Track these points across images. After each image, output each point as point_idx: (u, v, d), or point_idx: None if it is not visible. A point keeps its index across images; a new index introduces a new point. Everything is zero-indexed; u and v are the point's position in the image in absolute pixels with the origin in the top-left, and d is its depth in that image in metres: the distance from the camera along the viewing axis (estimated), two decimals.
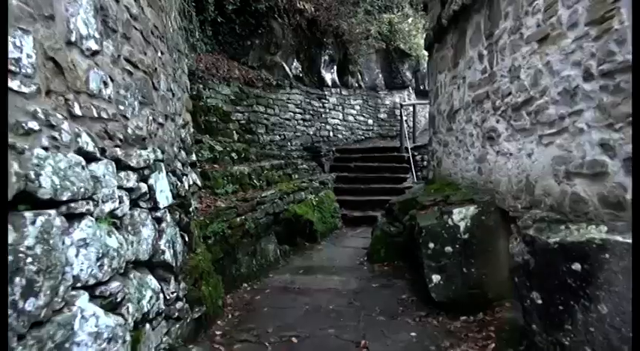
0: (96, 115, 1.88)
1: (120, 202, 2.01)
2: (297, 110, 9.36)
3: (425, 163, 10.62)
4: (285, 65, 9.15)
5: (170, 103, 3.47)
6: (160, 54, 3.20)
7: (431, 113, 6.47)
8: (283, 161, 7.25)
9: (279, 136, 8.70)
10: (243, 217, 4.67)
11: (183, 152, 3.83)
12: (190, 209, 3.56)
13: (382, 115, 13.59)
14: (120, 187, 2.04)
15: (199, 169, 4.83)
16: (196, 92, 6.33)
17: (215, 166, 5.27)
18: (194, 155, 4.34)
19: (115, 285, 1.82)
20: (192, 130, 4.71)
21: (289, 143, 9.02)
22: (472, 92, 4.25)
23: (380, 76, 13.62)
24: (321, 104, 10.36)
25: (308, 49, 10.00)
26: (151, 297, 2.25)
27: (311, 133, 9.88)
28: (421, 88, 15.66)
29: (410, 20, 14.09)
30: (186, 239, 3.19)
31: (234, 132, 7.15)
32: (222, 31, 7.91)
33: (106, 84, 2.00)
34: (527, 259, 2.30)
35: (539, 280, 2.21)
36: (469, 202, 3.77)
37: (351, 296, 4.08)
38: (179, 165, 3.57)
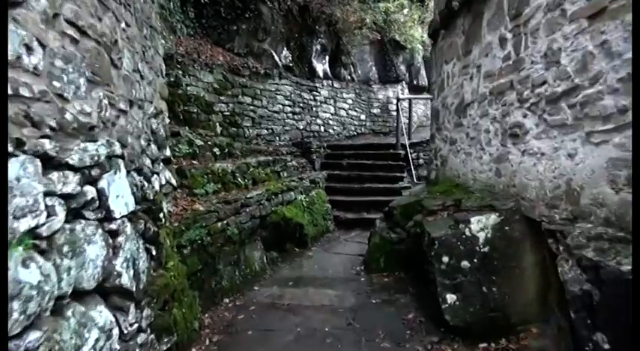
0: (10, 91, 1.33)
1: (49, 216, 1.47)
2: (287, 102, 8.80)
3: (420, 161, 10.19)
4: (274, 53, 8.59)
5: (137, 86, 2.92)
6: (123, 25, 2.64)
7: (434, 107, 6.00)
8: (271, 158, 6.71)
9: (267, 130, 8.14)
10: (225, 221, 4.14)
11: (153, 146, 3.28)
12: (161, 215, 3.01)
13: (375, 110, 13.12)
14: (50, 194, 1.50)
15: (175, 166, 4.28)
16: (174, 79, 5.73)
17: (194, 162, 4.72)
18: (168, 150, 3.78)
19: (33, 337, 1.29)
20: (167, 120, 4.16)
21: (277, 138, 8.46)
22: (489, 83, 3.78)
23: (373, 69, 13.13)
24: (311, 97, 9.82)
25: (299, 37, 9.45)
26: (98, 339, 1.72)
27: (301, 127, 9.33)
28: (414, 83, 15.25)
29: (405, 11, 13.63)
30: (154, 253, 2.65)
31: (217, 124, 6.58)
32: (206, 13, 7.30)
33: (30, 49, 1.45)
34: (587, 289, 1.83)
35: (606, 318, 1.74)
36: (489, 209, 3.30)
37: (349, 315, 3.59)
38: (147, 162, 3.02)
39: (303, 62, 9.76)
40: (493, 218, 3.17)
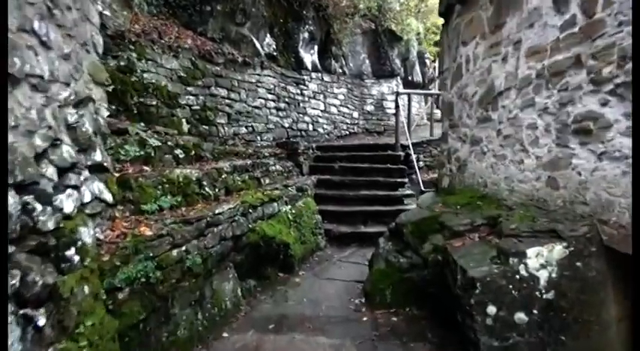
0: None
1: None
2: (270, 96, 7.84)
3: (421, 163, 9.33)
4: (254, 40, 7.64)
5: (31, 56, 1.96)
6: None
7: (447, 100, 5.13)
8: (250, 161, 5.76)
9: (246, 128, 7.16)
10: (183, 248, 3.20)
11: (67, 148, 2.31)
12: (71, 252, 2.06)
13: (369, 107, 12.27)
14: None
15: (117, 174, 3.31)
16: (126, 63, 4.72)
17: (146, 168, 3.74)
18: (100, 153, 2.81)
19: None
20: (105, 113, 3.19)
21: (259, 138, 7.50)
22: (537, 62, 2.91)
23: (367, 61, 12.29)
24: (298, 91, 8.89)
25: (284, 22, 8.52)
26: None
27: (286, 125, 8.39)
28: (409, 78, 14.50)
29: None
30: (42, 322, 1.69)
31: (184, 121, 5.59)
32: None
33: None
34: None
35: None
36: (549, 236, 2.41)
37: None
38: (49, 171, 2.06)
39: (289, 51, 8.83)
40: (559, 250, 2.28)
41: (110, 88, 4.29)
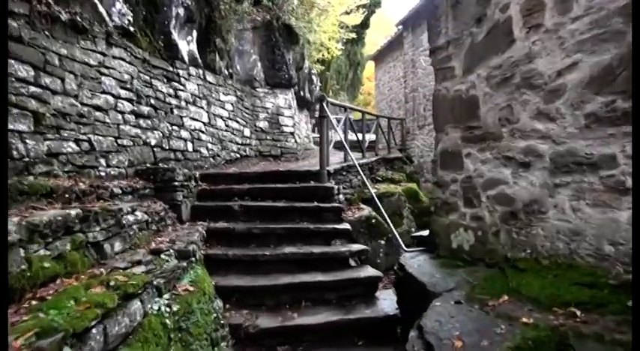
0: None
1: None
2: (124, 93, 4.97)
3: (341, 197, 7.32)
4: (98, 2, 4.87)
5: None
6: None
7: (449, 96, 3.14)
8: (79, 209, 2.98)
9: (77, 143, 4.16)
10: None
11: None
12: None
13: (262, 124, 10.01)
14: None
15: None
16: None
17: None
18: None
19: None
20: None
21: (103, 161, 4.57)
22: None
23: (258, 64, 10.08)
24: (171, 90, 6.19)
25: None
26: None
27: (152, 142, 5.56)
28: (301, 94, 12.72)
29: None
30: None
31: None
32: None
33: None
34: None
35: None
36: None
37: None
38: None
39: (156, 31, 6.15)
40: None
41: None
